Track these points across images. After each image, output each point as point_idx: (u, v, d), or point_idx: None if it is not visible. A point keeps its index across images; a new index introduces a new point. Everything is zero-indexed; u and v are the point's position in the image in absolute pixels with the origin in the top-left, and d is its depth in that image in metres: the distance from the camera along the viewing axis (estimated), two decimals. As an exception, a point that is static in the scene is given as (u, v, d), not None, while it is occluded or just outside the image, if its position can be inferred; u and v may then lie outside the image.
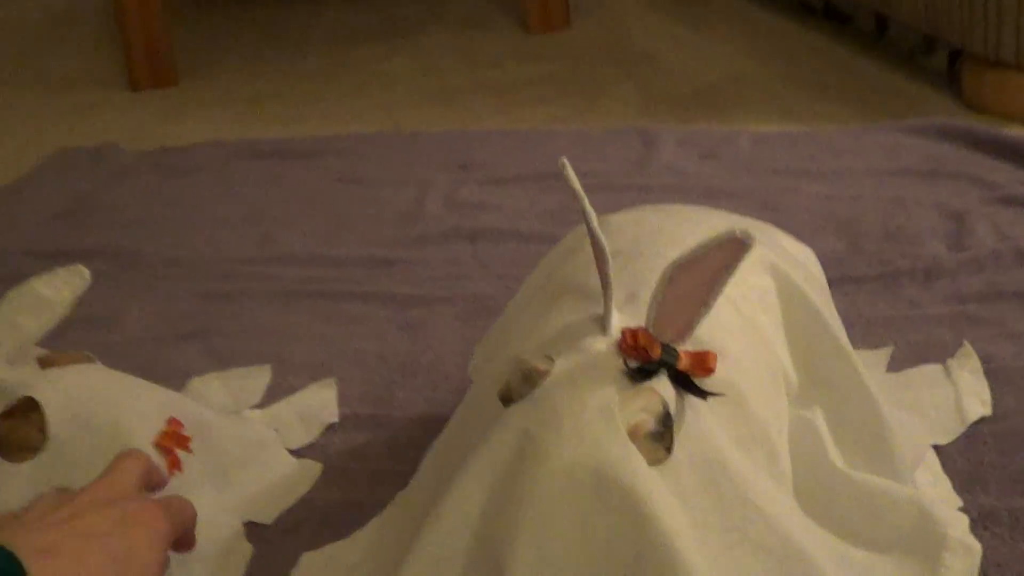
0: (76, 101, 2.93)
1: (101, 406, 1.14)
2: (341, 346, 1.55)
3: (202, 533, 1.03)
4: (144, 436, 1.15)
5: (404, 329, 1.58)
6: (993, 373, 1.33)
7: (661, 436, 0.89)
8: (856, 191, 1.93)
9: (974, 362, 1.35)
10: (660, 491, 0.86)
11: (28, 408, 1.11)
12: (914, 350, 1.41)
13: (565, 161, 0.98)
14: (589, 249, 1.09)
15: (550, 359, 0.93)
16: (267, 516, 1.21)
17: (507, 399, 0.93)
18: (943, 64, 2.44)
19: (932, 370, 1.36)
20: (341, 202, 2.10)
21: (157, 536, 0.91)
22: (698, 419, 0.92)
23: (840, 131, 2.22)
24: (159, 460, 1.13)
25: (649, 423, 0.89)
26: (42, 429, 1.10)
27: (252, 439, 1.28)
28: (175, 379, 1.46)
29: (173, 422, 1.19)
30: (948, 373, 1.34)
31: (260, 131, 2.57)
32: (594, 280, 1.02)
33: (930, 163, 2.02)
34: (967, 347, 1.38)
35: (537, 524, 0.87)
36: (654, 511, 0.85)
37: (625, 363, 0.91)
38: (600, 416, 0.88)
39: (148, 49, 2.92)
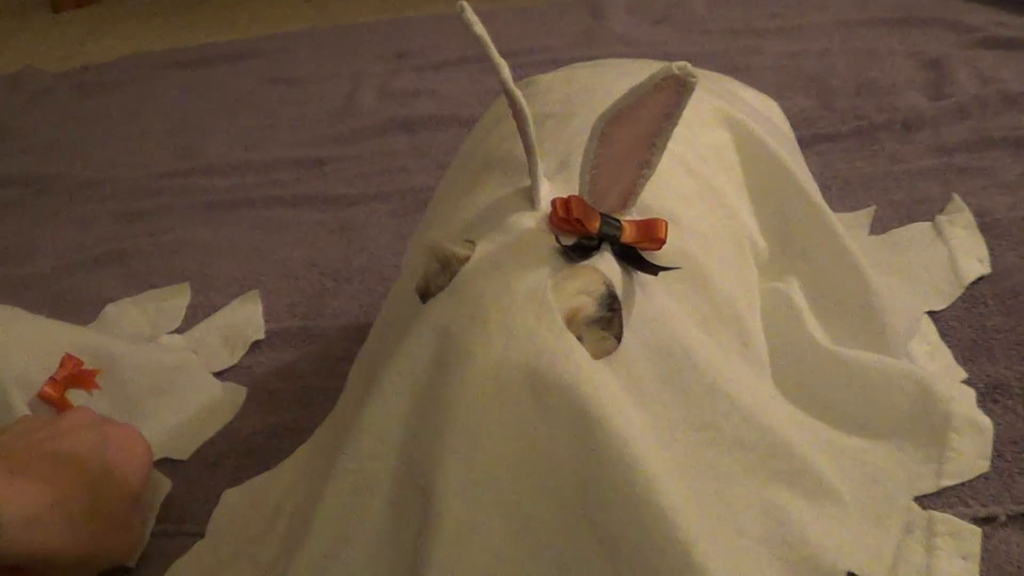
0: (-4, 28, 2.77)
1: None
2: (269, 256, 1.40)
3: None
4: (27, 390, 1.02)
5: (336, 232, 1.43)
6: (988, 227, 1.19)
7: (607, 322, 0.75)
8: (824, 45, 1.79)
9: (966, 216, 1.21)
10: (609, 388, 0.72)
11: None
12: (898, 209, 1.27)
13: (463, 3, 0.81)
14: (517, 117, 0.95)
15: (471, 243, 0.78)
16: (185, 450, 1.07)
17: (425, 293, 0.78)
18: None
19: (920, 228, 1.22)
20: (270, 104, 1.95)
21: (136, 458, 0.91)
22: (650, 299, 0.77)
23: (803, -16, 2.05)
24: (47, 413, 1.01)
25: (589, 307, 0.74)
26: None
27: (167, 366, 1.14)
28: (91, 308, 1.32)
29: (69, 361, 1.05)
30: (939, 231, 1.20)
31: (186, 40, 2.41)
32: (519, 150, 0.88)
33: (902, 10, 1.88)
34: (957, 200, 1.24)
35: (465, 438, 0.72)
36: (603, 412, 0.70)
37: (558, 240, 0.76)
38: (531, 304, 0.73)
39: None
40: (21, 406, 1.00)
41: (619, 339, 0.75)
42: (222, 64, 2.17)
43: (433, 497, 0.73)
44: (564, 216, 0.77)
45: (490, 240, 0.78)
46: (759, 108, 1.07)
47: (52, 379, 1.03)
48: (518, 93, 0.79)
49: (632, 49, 1.88)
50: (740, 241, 0.91)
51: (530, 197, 0.81)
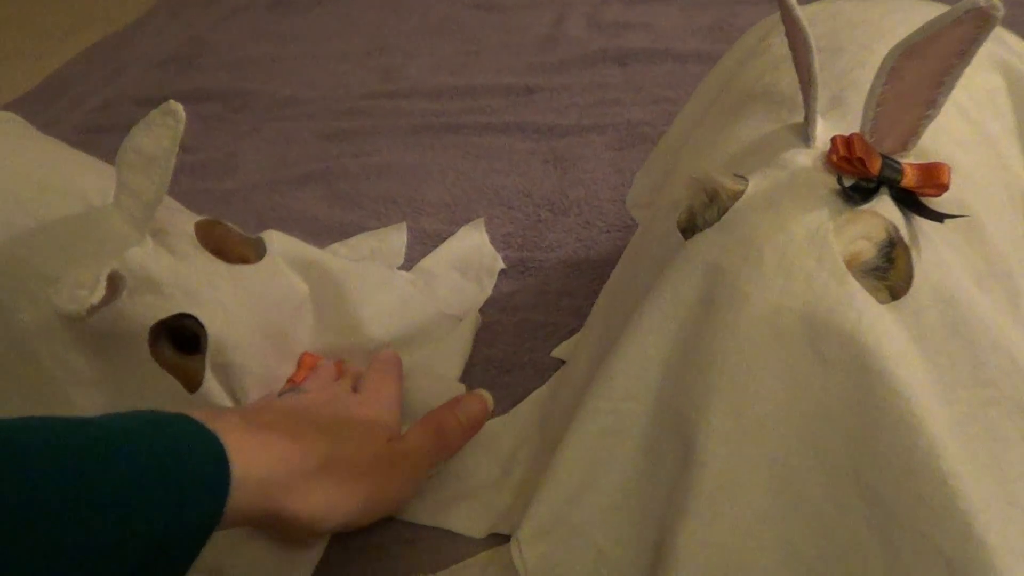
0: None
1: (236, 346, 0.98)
2: (480, 183, 1.36)
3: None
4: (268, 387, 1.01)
5: (550, 162, 1.39)
6: None
7: (882, 272, 0.70)
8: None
9: None
10: (893, 339, 0.67)
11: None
12: None
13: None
14: (775, 50, 0.90)
15: (741, 177, 0.73)
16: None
17: (689, 228, 0.74)
18: None
19: None
20: (472, 30, 1.91)
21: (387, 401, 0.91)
22: (934, 249, 0.72)
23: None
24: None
25: (867, 253, 0.69)
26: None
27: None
28: (296, 225, 1.30)
29: (305, 360, 1.04)
30: None
31: (382, -39, 2.39)
32: (785, 83, 0.82)
33: None
34: None
35: (734, 385, 0.68)
36: (885, 366, 0.65)
37: (839, 180, 0.71)
38: (810, 246, 0.68)
39: None
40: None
41: (903, 289, 0.69)
42: (421, -13, 2.14)
43: (695, 445, 0.68)
44: (845, 155, 0.71)
45: (763, 176, 0.73)
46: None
47: (291, 380, 1.01)
48: (804, 22, 0.73)
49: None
50: (1013, 194, 0.85)
51: (803, 133, 0.76)
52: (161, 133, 0.94)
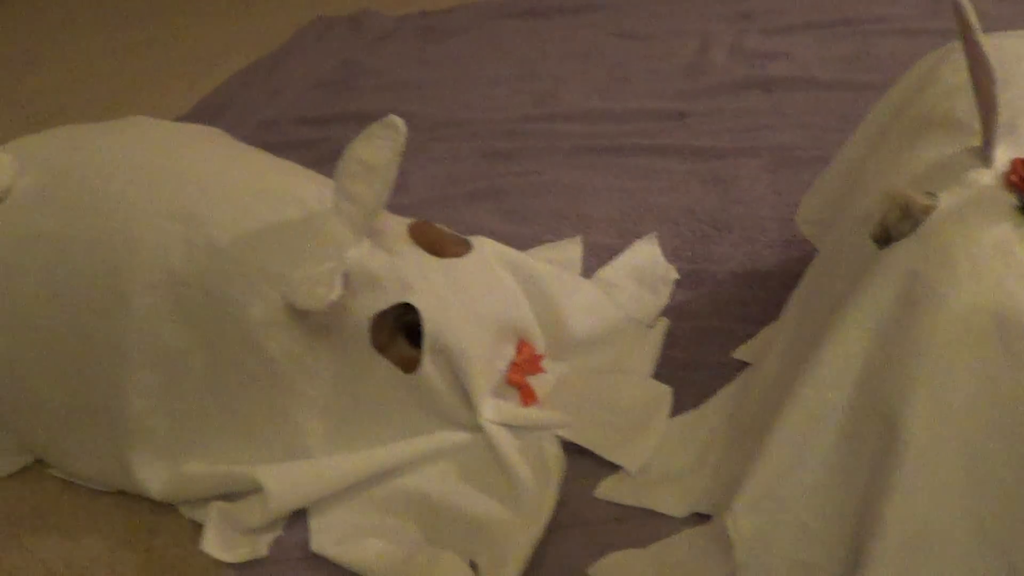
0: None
1: (452, 331, 1.08)
2: (642, 201, 1.47)
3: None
4: (491, 371, 1.11)
5: (708, 182, 1.50)
6: None
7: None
8: None
9: None
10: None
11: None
12: None
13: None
14: (947, 80, 1.00)
15: (931, 194, 0.83)
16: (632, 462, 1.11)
17: (883, 238, 0.84)
18: None
19: None
20: (617, 56, 2.02)
21: None
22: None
23: None
24: (511, 397, 1.11)
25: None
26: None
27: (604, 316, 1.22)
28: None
29: (524, 348, 1.14)
30: None
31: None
32: (960, 110, 0.92)
33: None
34: None
35: (934, 375, 0.78)
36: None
37: (1018, 198, 0.81)
38: (998, 253, 0.78)
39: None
40: (483, 390, 1.09)
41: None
42: (562, 16, 2.25)
43: (898, 426, 0.78)
44: (1023, 175, 0.81)
45: (951, 193, 0.83)
46: None
47: (514, 364, 1.12)
48: (988, 55, 0.83)
49: (982, 23, 1.88)
50: None
51: (981, 155, 0.85)
52: (382, 144, 1.06)
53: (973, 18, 0.84)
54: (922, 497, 0.78)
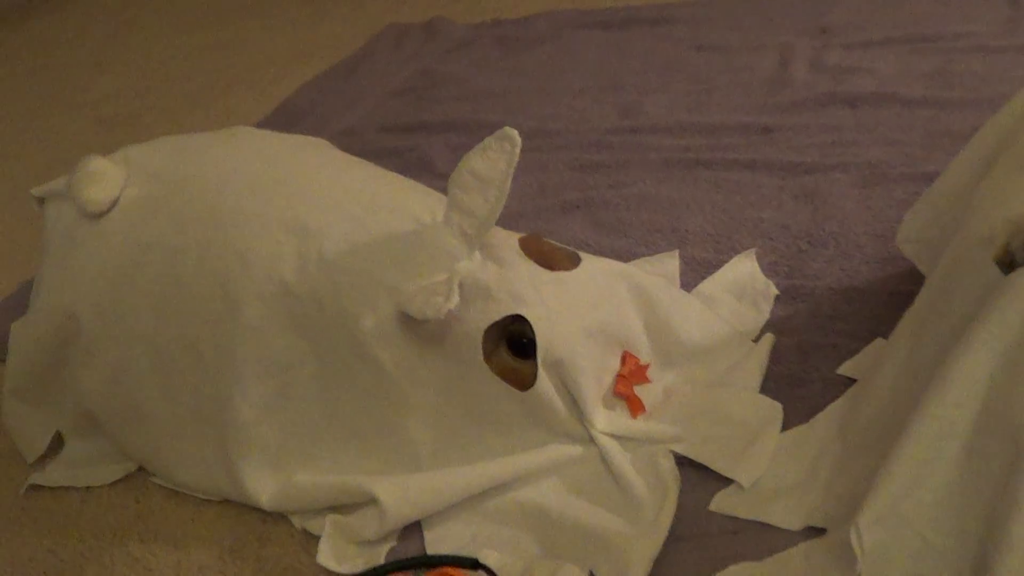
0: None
1: (564, 343, 1.10)
2: (737, 216, 1.49)
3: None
4: (601, 383, 1.13)
5: (800, 198, 1.52)
6: None
7: None
8: None
9: None
10: None
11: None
12: None
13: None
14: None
15: (1057, 222, 0.86)
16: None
17: (1008, 263, 0.86)
18: None
19: None
20: (699, 69, 2.04)
21: None
22: None
23: None
24: (619, 409, 1.13)
25: None
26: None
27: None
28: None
29: (630, 359, 1.16)
30: None
31: (590, 2, 2.53)
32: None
33: None
34: None
35: (1060, 396, 0.80)
36: None
37: None
38: None
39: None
40: (595, 401, 1.11)
41: None
42: (640, 27, 2.28)
43: (1025, 446, 0.81)
44: None
45: (1078, 220, 0.85)
46: None
47: (620, 376, 1.14)
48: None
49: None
50: None
51: (1103, 185, 0.88)
52: (497, 157, 1.08)
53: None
54: (1051, 516, 0.81)
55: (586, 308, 1.14)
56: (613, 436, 1.11)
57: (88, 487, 1.23)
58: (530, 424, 1.10)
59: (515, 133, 1.09)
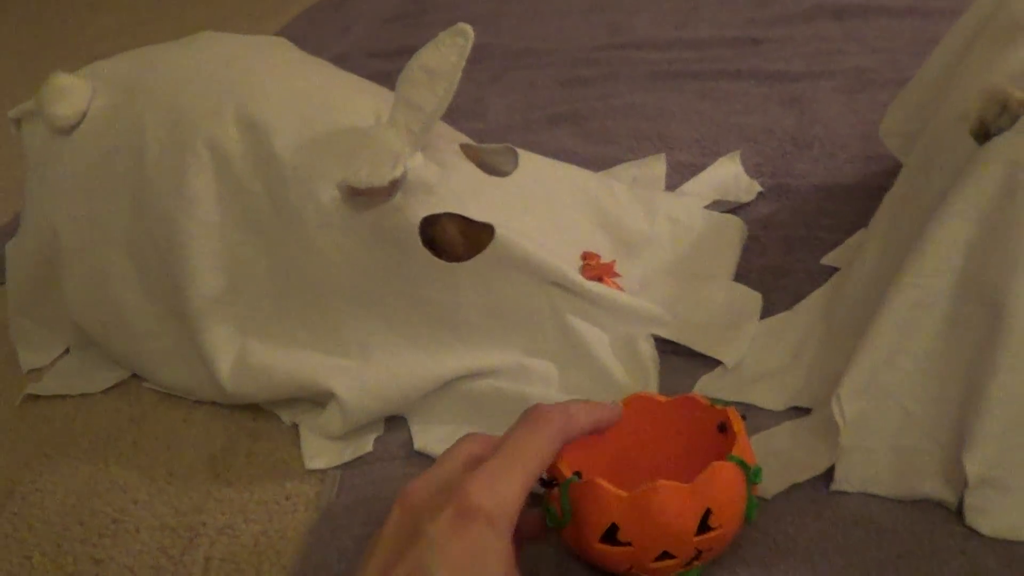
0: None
1: (517, 236, 1.10)
2: (722, 122, 1.51)
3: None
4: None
5: (786, 104, 1.53)
6: None
7: None
8: None
9: None
10: None
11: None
12: None
13: None
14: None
15: (1028, 90, 0.86)
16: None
17: (982, 134, 0.87)
18: None
19: None
20: (689, -13, 2.05)
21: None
22: None
23: None
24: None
25: None
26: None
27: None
28: (554, 158, 1.44)
29: (588, 256, 1.17)
30: None
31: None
32: (1052, 14, 0.95)
33: None
34: None
35: (1037, 260, 0.81)
36: None
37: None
38: (1098, 143, 0.81)
39: None
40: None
41: None
42: (623, -49, 2.29)
43: (1003, 309, 0.82)
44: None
45: (1050, 87, 0.86)
46: None
47: (587, 266, 1.14)
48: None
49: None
50: None
51: (1078, 54, 0.89)
52: (448, 51, 1.07)
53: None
54: (1027, 376, 0.82)
55: (534, 210, 1.15)
56: (596, 304, 1.11)
57: (83, 395, 1.25)
58: (485, 314, 1.11)
59: (468, 28, 1.08)
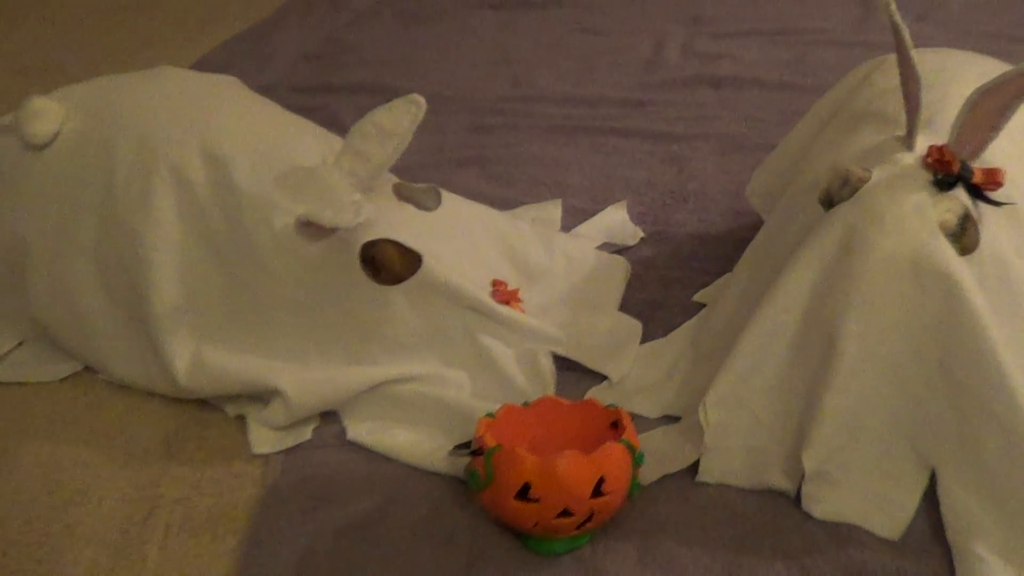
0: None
1: (440, 264, 1.26)
2: (612, 174, 1.72)
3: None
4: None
5: (666, 161, 1.75)
6: None
7: (958, 235, 1.04)
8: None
9: None
10: (969, 277, 1.02)
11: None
12: None
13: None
14: (879, 84, 1.25)
15: (866, 169, 1.08)
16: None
17: (828, 202, 1.09)
18: None
19: None
20: (584, 49, 2.26)
21: None
22: (990, 224, 1.07)
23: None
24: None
25: (951, 222, 1.04)
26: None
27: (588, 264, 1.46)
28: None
29: (497, 283, 1.35)
30: None
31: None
32: (890, 108, 1.17)
33: None
34: None
35: (864, 302, 1.03)
36: (966, 294, 1.01)
37: (934, 175, 1.06)
38: (916, 213, 1.04)
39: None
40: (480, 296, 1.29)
41: (970, 248, 1.04)
42: (530, 10, 2.51)
43: (836, 340, 1.05)
44: (937, 158, 1.07)
45: (881, 169, 1.08)
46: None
47: (497, 291, 1.33)
48: (918, 66, 1.08)
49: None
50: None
51: (906, 143, 1.11)
52: (402, 115, 1.24)
53: (907, 35, 1.08)
54: (852, 395, 1.05)
55: (451, 237, 1.33)
56: (504, 324, 1.29)
57: (39, 383, 1.36)
58: (410, 331, 1.27)
59: (422, 99, 1.24)
